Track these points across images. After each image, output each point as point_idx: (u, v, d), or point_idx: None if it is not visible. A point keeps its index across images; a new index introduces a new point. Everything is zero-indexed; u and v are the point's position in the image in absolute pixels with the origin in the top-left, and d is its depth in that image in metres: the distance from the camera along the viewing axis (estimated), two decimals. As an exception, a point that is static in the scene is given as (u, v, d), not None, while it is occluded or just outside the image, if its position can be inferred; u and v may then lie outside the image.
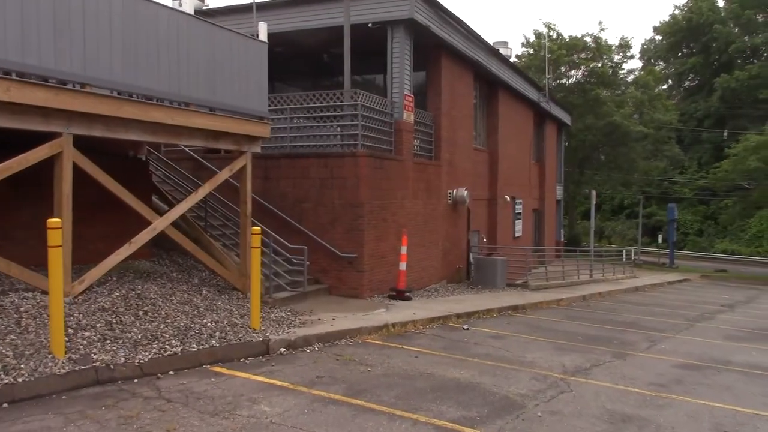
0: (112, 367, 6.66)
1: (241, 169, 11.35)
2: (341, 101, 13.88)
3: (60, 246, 6.67)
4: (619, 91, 45.73)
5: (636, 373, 8.82)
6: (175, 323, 8.29)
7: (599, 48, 42.31)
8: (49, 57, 7.69)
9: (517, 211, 25.23)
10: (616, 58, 44.83)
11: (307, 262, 11.83)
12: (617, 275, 27.10)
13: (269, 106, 14.42)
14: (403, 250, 13.89)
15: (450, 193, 18.03)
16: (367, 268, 13.44)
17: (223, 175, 10.97)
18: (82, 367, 6.47)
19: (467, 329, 11.47)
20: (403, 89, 15.00)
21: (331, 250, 13.42)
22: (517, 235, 25.31)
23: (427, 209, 16.47)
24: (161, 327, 8.01)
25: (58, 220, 6.84)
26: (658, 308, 18.13)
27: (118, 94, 8.73)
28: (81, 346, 6.93)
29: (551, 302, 16.53)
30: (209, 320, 8.76)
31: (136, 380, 6.69)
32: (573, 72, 41.85)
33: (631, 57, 47.70)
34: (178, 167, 14.49)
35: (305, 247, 11.71)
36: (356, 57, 14.49)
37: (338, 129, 13.91)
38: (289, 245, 12.15)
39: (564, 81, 42.19)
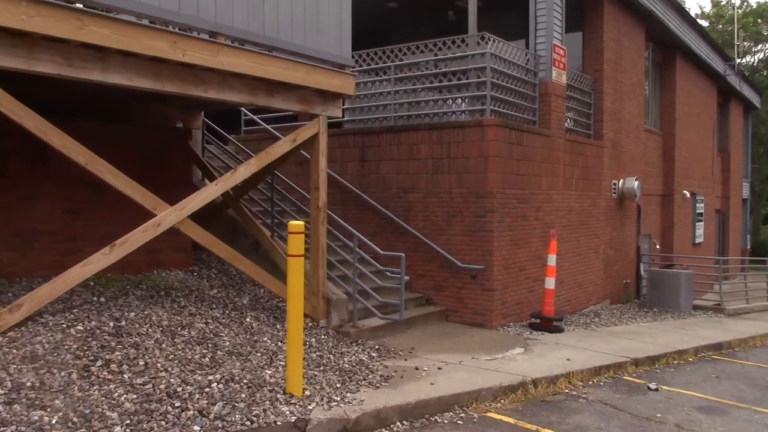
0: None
1: (311, 139, 7.85)
2: (464, 50, 10.01)
3: None
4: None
5: None
6: (150, 386, 4.85)
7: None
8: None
9: (697, 211, 19.90)
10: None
11: (406, 277, 8.07)
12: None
13: (366, 63, 10.85)
14: (552, 260, 9.76)
15: (615, 183, 13.54)
16: (499, 285, 9.47)
17: (281, 147, 7.51)
18: None
19: (655, 389, 7.19)
20: (551, 37, 10.84)
21: (447, 259, 9.60)
22: (697, 240, 19.97)
23: (583, 204, 12.16)
24: (115, 395, 4.59)
25: None
26: None
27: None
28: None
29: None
30: (219, 376, 5.25)
31: None
32: (760, 46, 34.70)
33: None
34: (248, 149, 11.28)
35: (402, 255, 7.97)
36: (488, 10, 10.61)
37: (459, 91, 10.04)
38: (380, 251, 8.45)
39: (749, 59, 35.12)
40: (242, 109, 11.78)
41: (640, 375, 7.87)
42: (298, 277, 5.27)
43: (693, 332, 10.84)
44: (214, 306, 7.19)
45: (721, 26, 33.84)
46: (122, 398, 4.53)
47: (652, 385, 7.29)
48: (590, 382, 7.29)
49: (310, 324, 7.86)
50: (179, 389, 4.85)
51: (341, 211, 10.72)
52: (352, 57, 10.99)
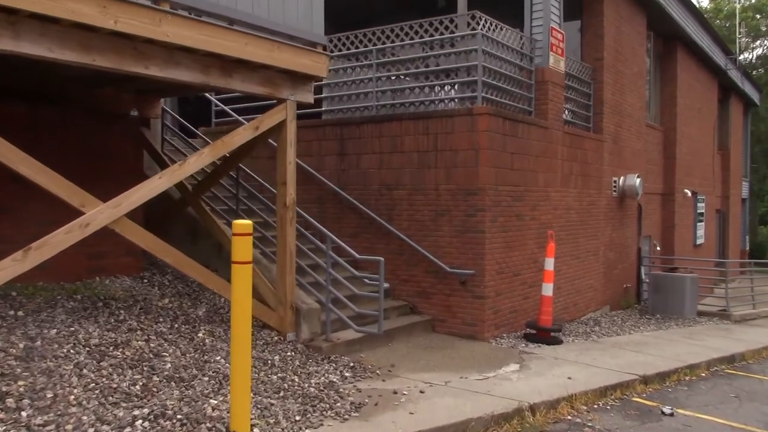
0: None
1: (277, 127, 6.88)
2: (453, 31, 9.06)
3: None
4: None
5: None
6: (52, 427, 3.85)
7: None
8: None
9: (699, 211, 19.03)
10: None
11: (387, 284, 7.08)
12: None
13: (346, 47, 9.89)
14: (549, 264, 8.83)
15: (615, 181, 12.63)
16: (491, 291, 8.52)
17: (241, 136, 6.53)
18: None
19: (670, 414, 6.25)
20: (549, 20, 9.91)
21: (433, 263, 8.65)
22: (698, 242, 19.09)
23: (582, 203, 11.24)
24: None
25: None
26: None
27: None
28: None
29: (782, 347, 10.67)
30: (148, 410, 4.26)
31: None
32: (759, 42, 33.88)
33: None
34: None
35: (380, 259, 6.99)
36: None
37: (448, 77, 9.09)
38: (356, 254, 7.46)
39: (747, 56, 34.30)
40: (213, 99, 10.77)
41: (650, 395, 6.93)
42: (245, 290, 4.28)
43: (702, 342, 9.92)
44: (162, 319, 6.20)
45: (719, 21, 32.99)
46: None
47: (667, 409, 6.35)
48: (595, 406, 6.35)
49: (276, 338, 6.89)
50: (90, 430, 3.86)
51: (318, 210, 9.76)
52: (331, 41, 10.08)
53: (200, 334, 6.12)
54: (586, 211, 11.35)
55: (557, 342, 8.65)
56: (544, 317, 8.72)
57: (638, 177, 12.76)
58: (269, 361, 6.07)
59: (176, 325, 6.15)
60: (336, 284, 7.42)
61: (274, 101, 6.98)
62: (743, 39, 33.56)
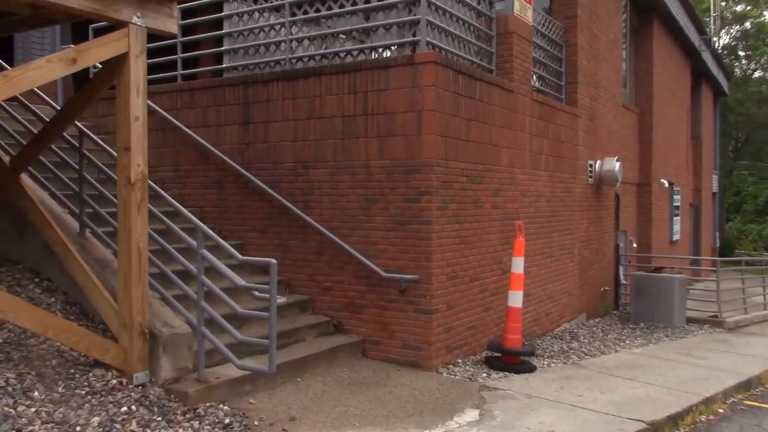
0: None
1: (115, 65, 4.58)
2: (386, -44, 6.83)
3: None
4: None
5: None
6: None
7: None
8: None
9: (674, 204, 17.23)
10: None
11: (281, 299, 4.73)
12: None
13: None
14: (518, 264, 6.67)
15: (591, 165, 10.60)
16: (440, 303, 6.32)
17: (41, 71, 4.17)
18: None
19: (704, 489, 4.14)
20: (514, -45, 7.77)
21: (364, 264, 6.42)
22: (675, 238, 17.30)
23: (555, 190, 9.15)
24: None
25: None
26: None
27: None
28: None
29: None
30: None
31: None
32: (726, 29, 32.50)
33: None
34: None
35: (271, 261, 4.62)
36: None
37: (384, 15, 6.84)
38: (237, 254, 5.07)
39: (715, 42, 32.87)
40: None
41: (666, 453, 4.83)
42: None
43: (705, 362, 7.90)
44: None
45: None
46: None
47: (698, 483, 4.24)
48: (592, 479, 4.20)
49: (115, 382, 4.57)
50: None
51: (216, 197, 7.47)
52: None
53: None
54: (559, 199, 9.26)
55: (529, 369, 6.50)
56: (511, 336, 6.56)
57: (617, 161, 10.75)
58: (89, 426, 3.76)
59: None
60: (212, 301, 5.10)
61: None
62: (712, 27, 32.24)
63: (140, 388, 4.66)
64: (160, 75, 8.21)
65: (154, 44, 8.00)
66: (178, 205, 5.34)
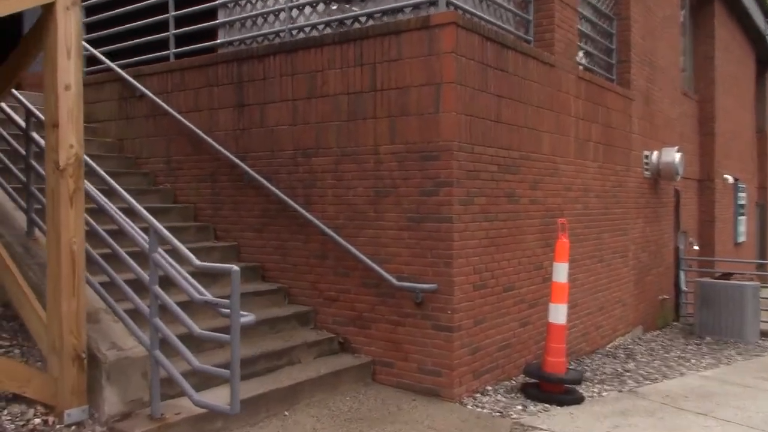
0: None
1: (37, 20, 3.59)
2: None
3: None
4: None
5: None
6: None
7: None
8: None
9: (739, 202, 15.62)
10: None
11: (247, 317, 3.68)
12: None
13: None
14: (561, 271, 5.47)
15: (647, 156, 9.28)
16: (464, 318, 5.18)
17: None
18: None
19: None
20: None
21: (373, 271, 5.32)
22: (740, 239, 15.68)
23: (606, 184, 7.89)
24: None
25: None
26: None
27: None
28: None
29: None
30: None
31: None
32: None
33: None
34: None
35: (232, 268, 3.57)
36: None
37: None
38: (195, 259, 4.00)
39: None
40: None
41: None
42: None
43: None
44: None
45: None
46: None
47: None
48: None
49: (38, 422, 3.58)
50: None
51: (210, 191, 6.49)
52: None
53: None
54: (610, 194, 8.00)
55: (576, 400, 5.29)
56: (552, 358, 5.37)
57: (678, 151, 9.40)
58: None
59: None
60: (166, 316, 4.07)
61: None
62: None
63: (74, 428, 3.67)
64: (153, 55, 7.29)
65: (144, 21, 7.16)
66: (134, 202, 4.32)
